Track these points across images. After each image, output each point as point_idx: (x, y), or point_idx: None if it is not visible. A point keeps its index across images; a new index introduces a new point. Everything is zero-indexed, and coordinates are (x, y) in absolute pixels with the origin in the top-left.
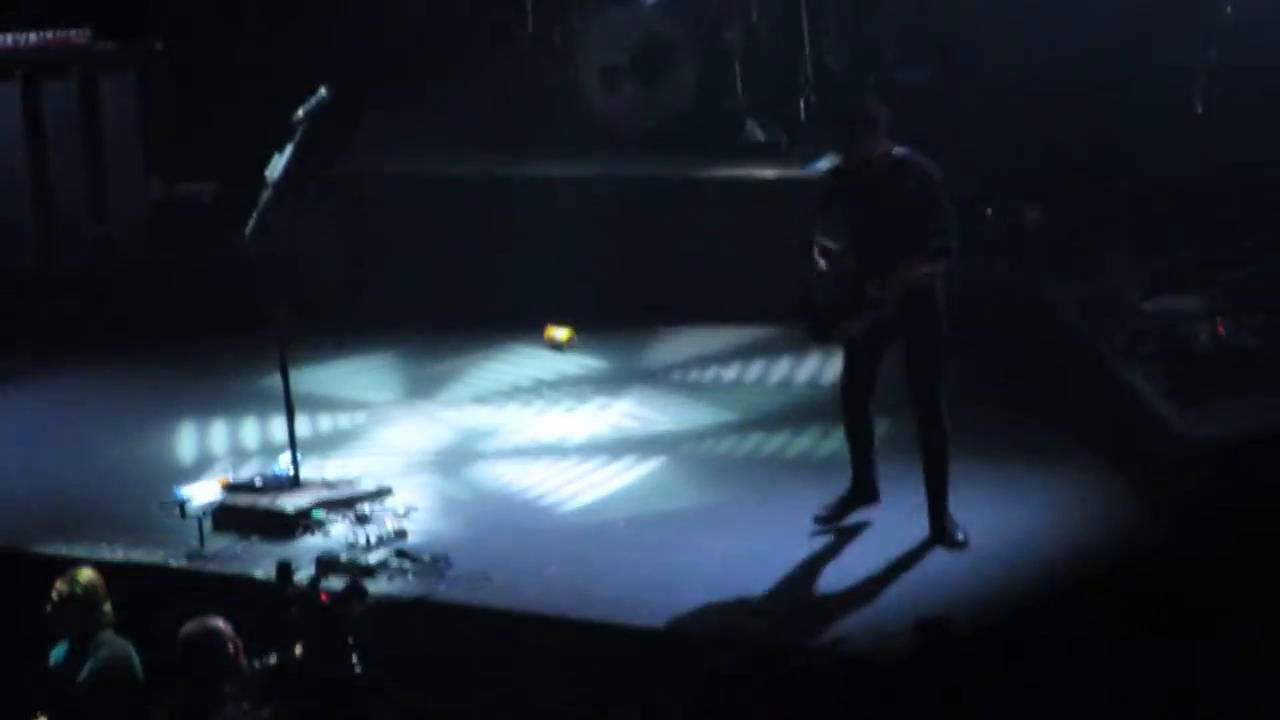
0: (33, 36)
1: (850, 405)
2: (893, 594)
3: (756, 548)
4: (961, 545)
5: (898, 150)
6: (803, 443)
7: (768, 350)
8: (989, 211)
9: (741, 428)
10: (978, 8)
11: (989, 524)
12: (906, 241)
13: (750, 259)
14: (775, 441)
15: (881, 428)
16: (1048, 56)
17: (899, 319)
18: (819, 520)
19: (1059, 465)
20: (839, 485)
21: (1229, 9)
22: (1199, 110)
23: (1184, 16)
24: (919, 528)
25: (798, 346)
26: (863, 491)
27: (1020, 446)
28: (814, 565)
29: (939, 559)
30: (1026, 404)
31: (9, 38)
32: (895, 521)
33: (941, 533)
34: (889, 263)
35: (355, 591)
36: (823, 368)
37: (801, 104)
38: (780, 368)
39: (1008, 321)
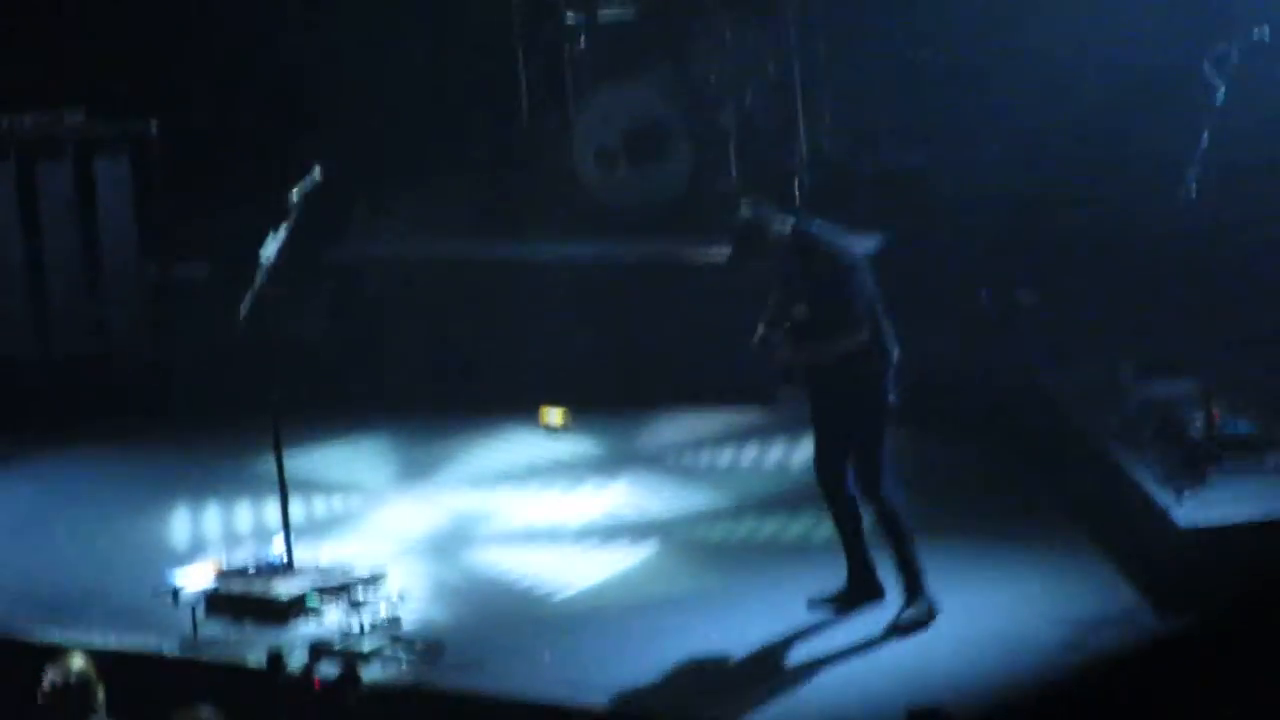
0: (27, 118)
1: (824, 490)
2: (887, 681)
3: (751, 634)
4: (924, 619)
5: (813, 230)
6: (797, 527)
7: (762, 433)
8: (983, 294)
9: (736, 512)
10: (971, 92)
11: (983, 609)
12: (814, 323)
13: (745, 341)
14: (770, 526)
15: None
16: (1041, 140)
17: (835, 400)
18: (813, 607)
19: (1054, 549)
20: (834, 570)
21: (1221, 94)
22: (1192, 195)
23: (1175, 99)
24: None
25: (792, 430)
26: (859, 586)
27: (1014, 530)
28: (808, 652)
29: (933, 645)
30: (1021, 487)
31: (3, 118)
32: (890, 607)
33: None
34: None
35: (349, 678)
36: None
37: (796, 186)
38: (775, 451)
39: (1001, 404)
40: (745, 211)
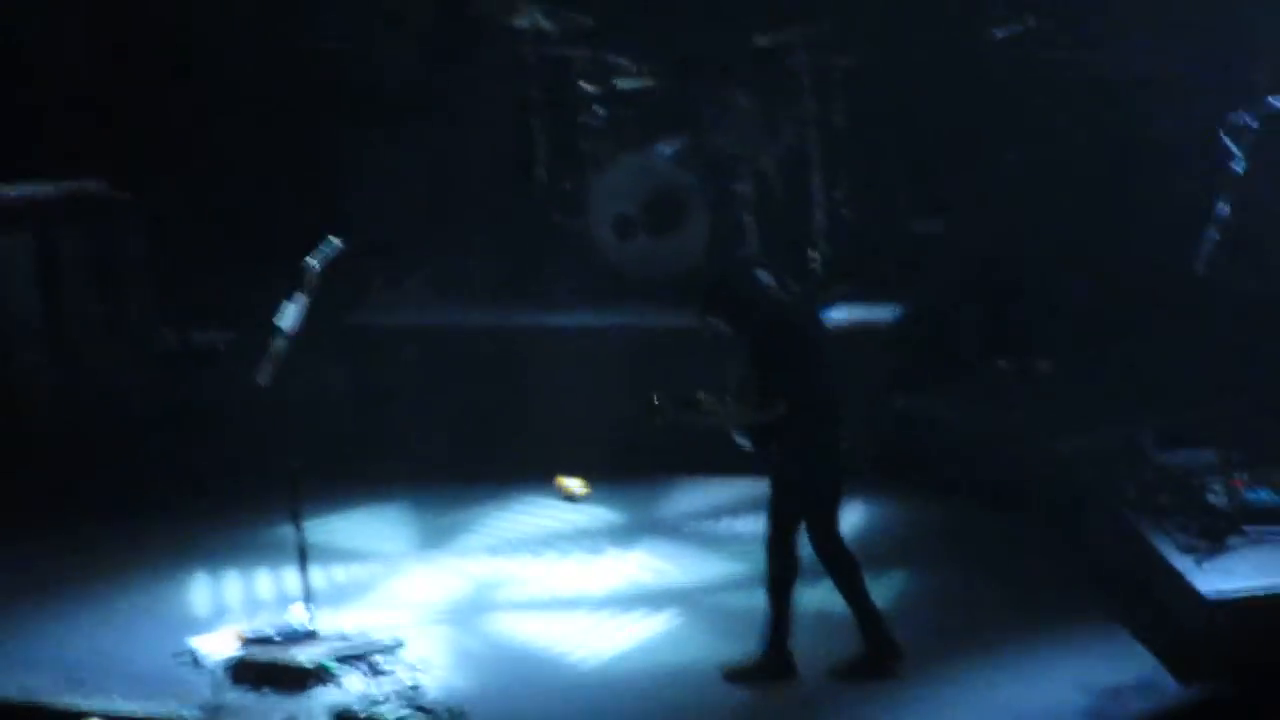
0: (48, 187)
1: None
2: None
3: (771, 701)
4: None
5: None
6: (816, 596)
7: None
8: (1001, 362)
9: (755, 580)
10: (988, 160)
11: (1003, 678)
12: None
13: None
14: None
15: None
16: (1057, 208)
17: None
18: (835, 676)
19: (1074, 617)
20: (852, 641)
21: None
22: (1210, 264)
23: (1194, 168)
24: (942, 685)
25: None
26: (876, 649)
27: (1034, 598)
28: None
29: (955, 714)
30: (1040, 555)
31: (23, 188)
32: (918, 680)
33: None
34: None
35: None
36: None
37: (814, 255)
38: None
39: (1019, 473)
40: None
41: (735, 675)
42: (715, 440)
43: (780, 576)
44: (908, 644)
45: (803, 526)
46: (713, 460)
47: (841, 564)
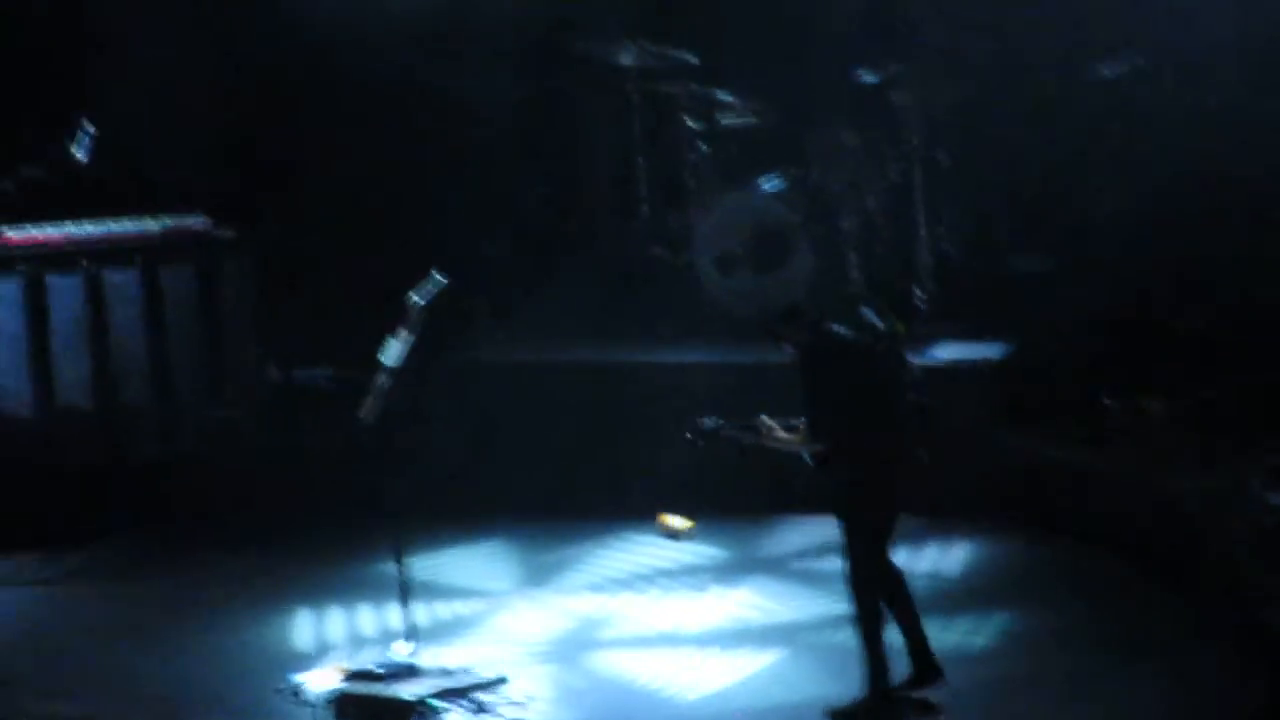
0: (152, 224)
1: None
2: None
3: None
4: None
5: (825, 329)
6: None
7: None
8: (1109, 402)
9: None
10: (1093, 197)
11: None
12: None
13: None
14: (893, 633)
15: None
16: (1164, 244)
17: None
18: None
19: (1184, 661)
20: (960, 676)
21: None
22: None
23: None
24: None
25: (914, 537)
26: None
27: (1138, 641)
28: None
29: None
30: (1150, 598)
31: (129, 225)
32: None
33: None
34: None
35: None
36: (942, 557)
37: (917, 292)
38: (899, 557)
39: (1130, 513)
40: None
41: (840, 717)
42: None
43: (864, 614)
44: (1008, 682)
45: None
46: (817, 498)
47: (863, 602)
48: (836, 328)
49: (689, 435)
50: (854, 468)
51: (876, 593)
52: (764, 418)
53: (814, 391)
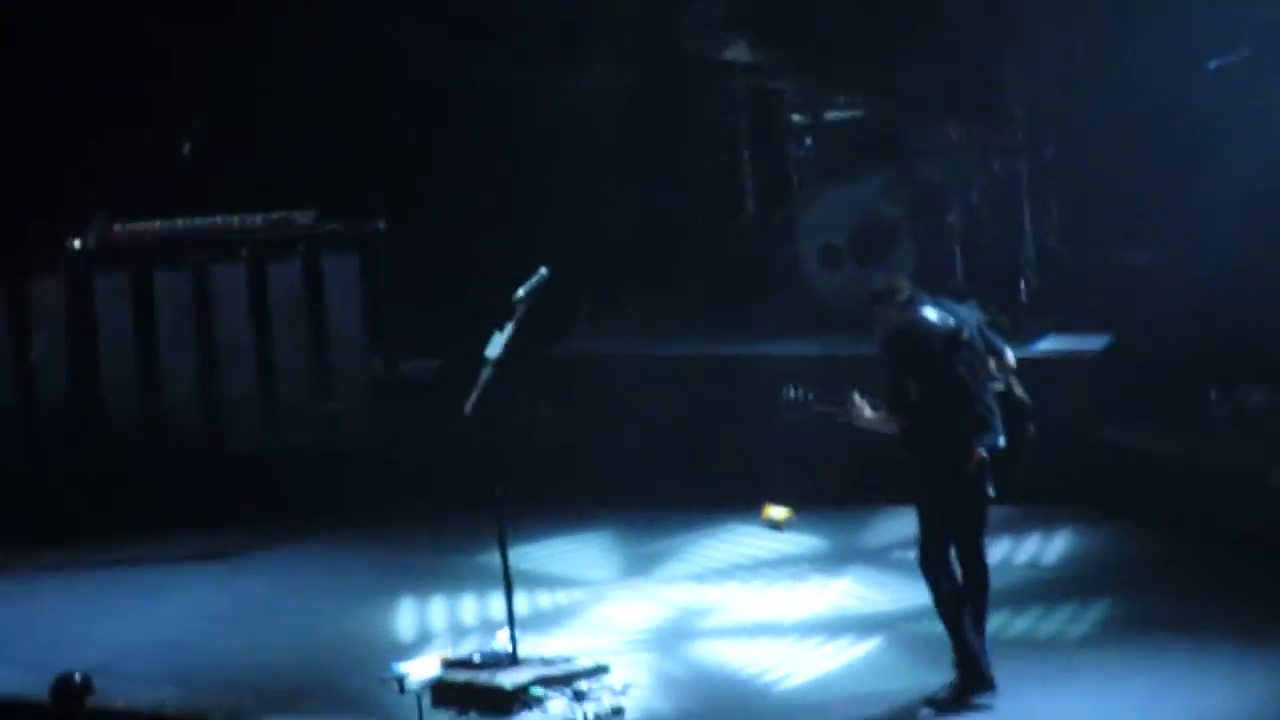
0: (258, 218)
1: (925, 574)
2: None
3: None
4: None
5: (915, 306)
6: (1022, 624)
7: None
8: (1213, 394)
9: None
10: (1197, 188)
11: (1215, 710)
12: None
13: None
14: (994, 622)
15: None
16: (1270, 234)
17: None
18: (928, 704)
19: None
20: (1058, 668)
21: None
22: None
23: None
24: (1146, 714)
25: (1017, 527)
26: (968, 677)
27: (1244, 632)
28: None
29: None
30: (1253, 587)
31: (236, 219)
32: (1120, 708)
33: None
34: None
35: None
36: (1043, 548)
37: (1022, 285)
38: (999, 548)
39: (1230, 504)
40: (879, 278)
41: (936, 704)
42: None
43: (942, 596)
44: (1107, 668)
45: (951, 545)
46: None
47: (939, 588)
48: (927, 311)
49: (780, 408)
50: (930, 452)
51: (946, 578)
52: (856, 395)
53: (895, 371)
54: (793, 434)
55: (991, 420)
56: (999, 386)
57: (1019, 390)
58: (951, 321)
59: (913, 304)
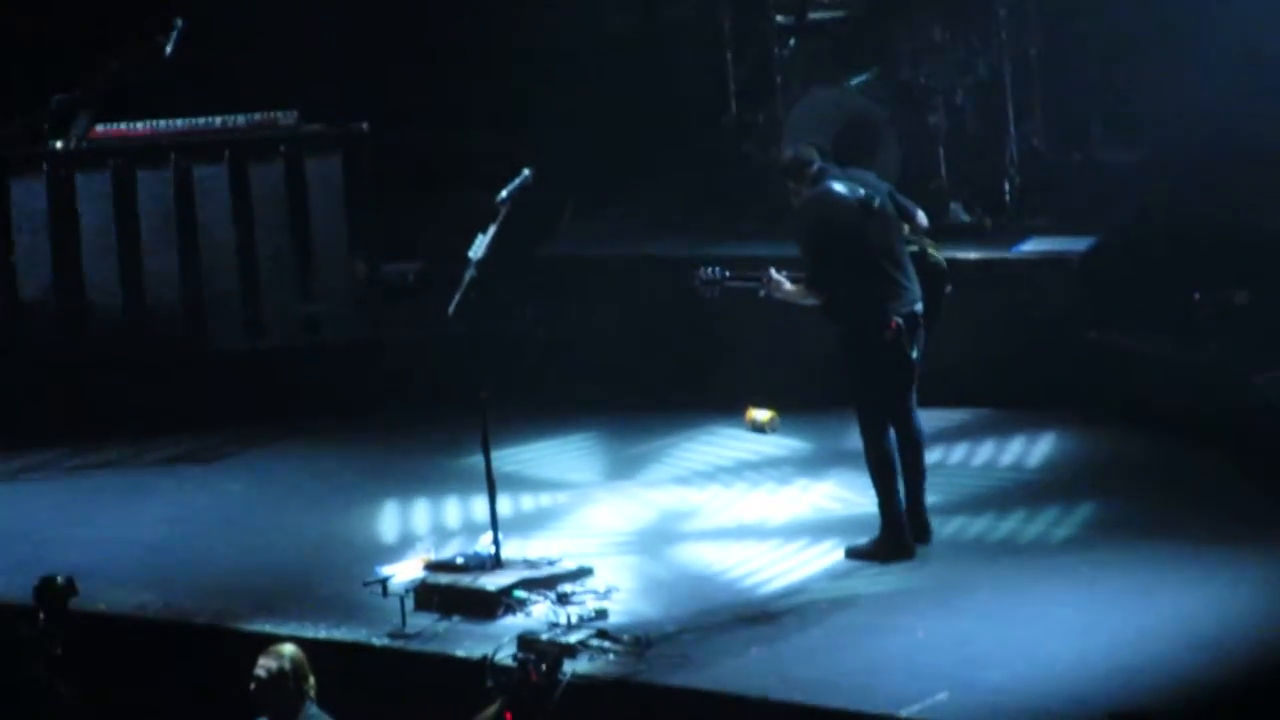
0: (240, 119)
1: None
2: (1093, 682)
3: (958, 630)
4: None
5: (826, 177)
6: (1006, 526)
7: (971, 434)
8: (1197, 295)
9: (945, 510)
10: (1184, 89)
11: (1191, 612)
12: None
13: (952, 341)
14: (978, 525)
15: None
16: (1257, 137)
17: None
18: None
19: (1267, 555)
20: (1042, 570)
21: None
22: None
23: None
24: (1130, 613)
25: (1002, 430)
26: (889, 542)
27: (1227, 534)
28: (1013, 650)
29: (1141, 648)
30: (1234, 491)
31: (217, 120)
32: (1105, 608)
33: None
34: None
35: (551, 669)
36: (1028, 451)
37: (1006, 186)
38: (984, 451)
39: (1214, 405)
40: (788, 149)
41: (856, 554)
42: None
43: (872, 461)
44: (1093, 568)
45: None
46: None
47: (871, 454)
48: (836, 183)
49: (695, 285)
50: (849, 321)
51: (876, 445)
52: (773, 270)
53: (810, 243)
54: (776, 336)
55: (908, 286)
56: (913, 249)
57: (933, 252)
58: (861, 191)
59: (823, 176)
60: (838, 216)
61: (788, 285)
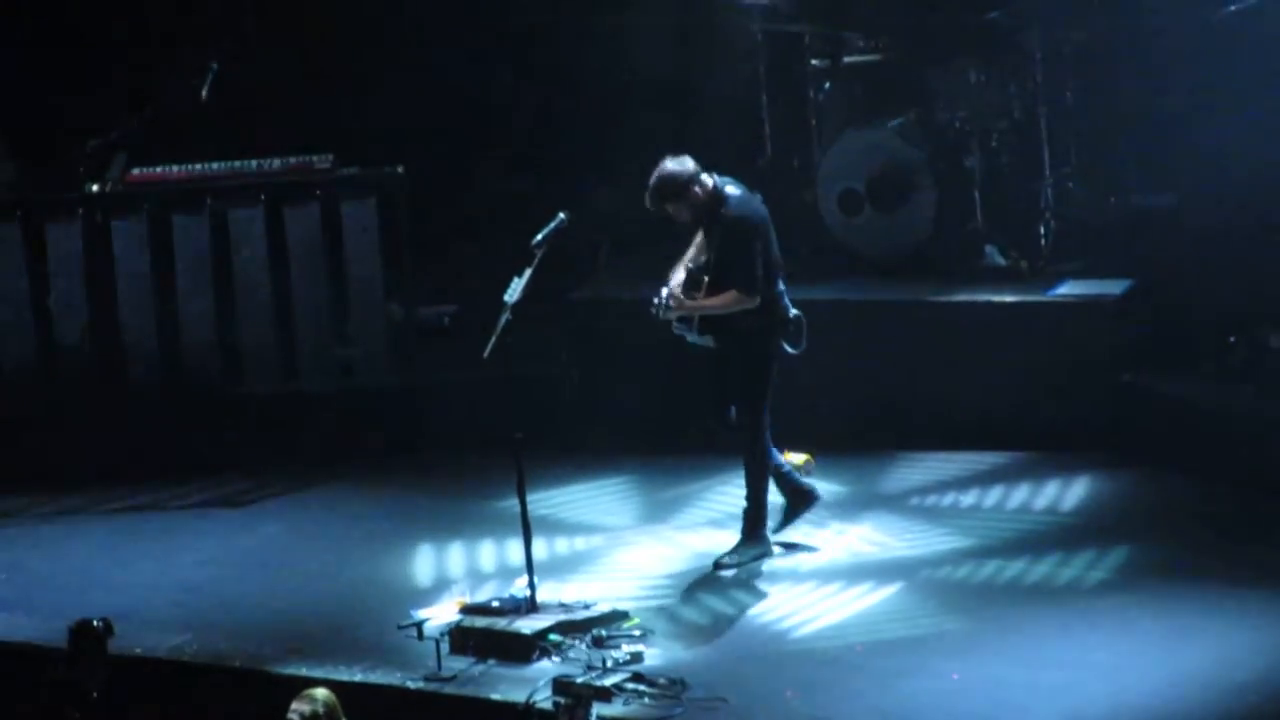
0: (276, 162)
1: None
2: None
3: (993, 674)
4: (721, 566)
5: (723, 194)
6: (1041, 569)
7: (1006, 476)
8: (1232, 338)
9: (979, 554)
10: (1218, 132)
11: (1235, 653)
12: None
13: (990, 384)
14: (1013, 568)
15: None
16: None
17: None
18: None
19: None
20: (1076, 614)
21: None
22: None
23: None
24: (1166, 657)
25: (1037, 474)
26: (796, 500)
27: (1268, 575)
28: (1050, 694)
29: (1182, 692)
30: (1275, 533)
31: (253, 163)
32: (1139, 652)
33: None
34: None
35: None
36: (1062, 494)
37: (1041, 229)
38: (1019, 494)
39: (1249, 449)
40: (667, 163)
41: (724, 565)
42: (941, 413)
43: (763, 459)
44: (1127, 611)
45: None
46: (935, 434)
47: (762, 454)
48: (731, 188)
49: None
50: (761, 323)
51: (768, 443)
52: (665, 290)
53: (751, 248)
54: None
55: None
56: None
57: None
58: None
59: (719, 184)
60: (765, 220)
61: (710, 301)
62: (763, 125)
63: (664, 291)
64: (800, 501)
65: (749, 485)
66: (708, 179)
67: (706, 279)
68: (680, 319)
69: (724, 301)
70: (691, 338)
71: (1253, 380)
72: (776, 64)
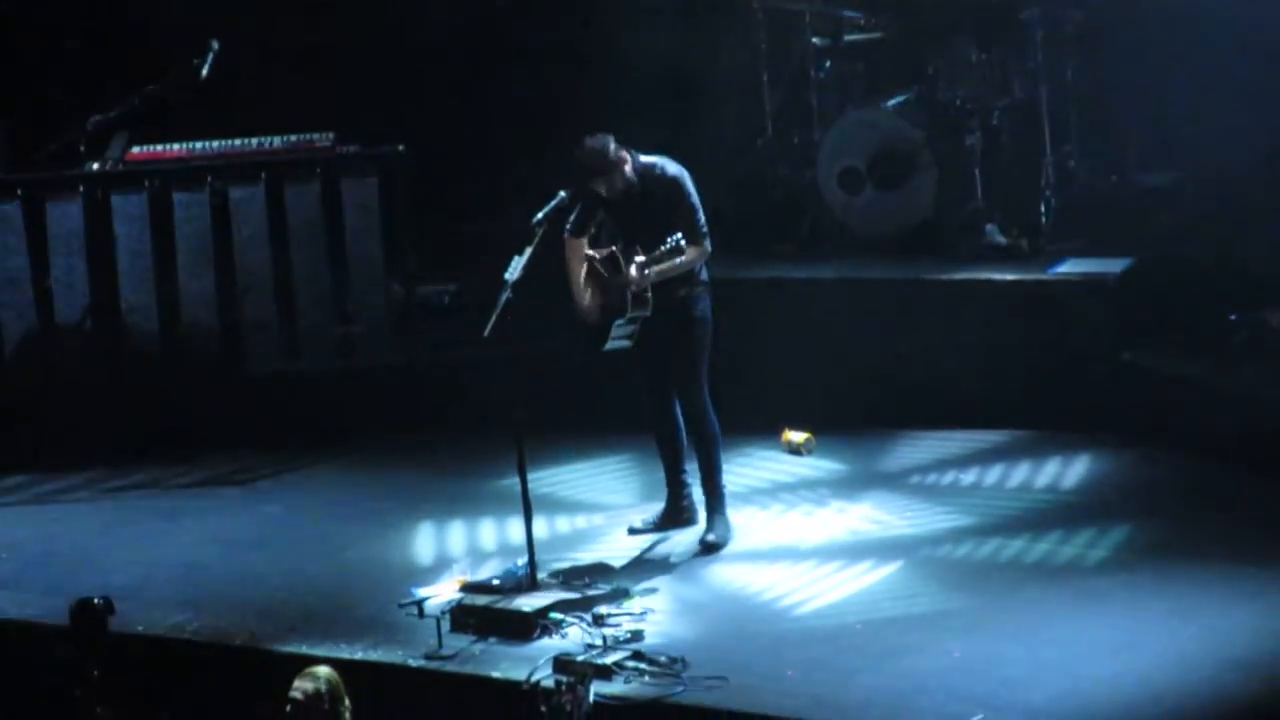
0: (277, 141)
1: (653, 415)
2: (1129, 705)
3: (994, 652)
4: (712, 546)
5: (644, 163)
6: (1041, 548)
7: (1006, 455)
8: (1232, 317)
9: (980, 532)
10: (1218, 111)
11: (1236, 631)
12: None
13: (991, 363)
14: (1014, 546)
15: None
16: None
17: (663, 326)
18: (634, 532)
19: None
20: (1077, 592)
21: None
22: None
23: None
24: (1167, 635)
25: (1036, 452)
26: (675, 511)
27: (1268, 554)
28: (1051, 672)
29: (1184, 669)
30: (1275, 512)
31: (254, 141)
32: (1141, 630)
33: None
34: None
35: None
36: (1063, 473)
37: (1042, 208)
38: (1019, 472)
39: (1249, 427)
40: (588, 141)
41: (640, 530)
42: (941, 392)
43: (714, 429)
44: (1127, 591)
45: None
46: (936, 413)
47: (711, 429)
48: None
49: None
50: (703, 290)
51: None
52: (635, 265)
53: (697, 202)
54: (813, 357)
55: None
56: None
57: None
58: None
59: (634, 153)
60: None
61: (668, 262)
62: (763, 104)
63: (632, 271)
64: (677, 519)
65: (702, 459)
66: (625, 151)
67: (664, 247)
68: (630, 318)
69: (691, 257)
70: (611, 345)
71: (1253, 359)
72: (777, 43)
